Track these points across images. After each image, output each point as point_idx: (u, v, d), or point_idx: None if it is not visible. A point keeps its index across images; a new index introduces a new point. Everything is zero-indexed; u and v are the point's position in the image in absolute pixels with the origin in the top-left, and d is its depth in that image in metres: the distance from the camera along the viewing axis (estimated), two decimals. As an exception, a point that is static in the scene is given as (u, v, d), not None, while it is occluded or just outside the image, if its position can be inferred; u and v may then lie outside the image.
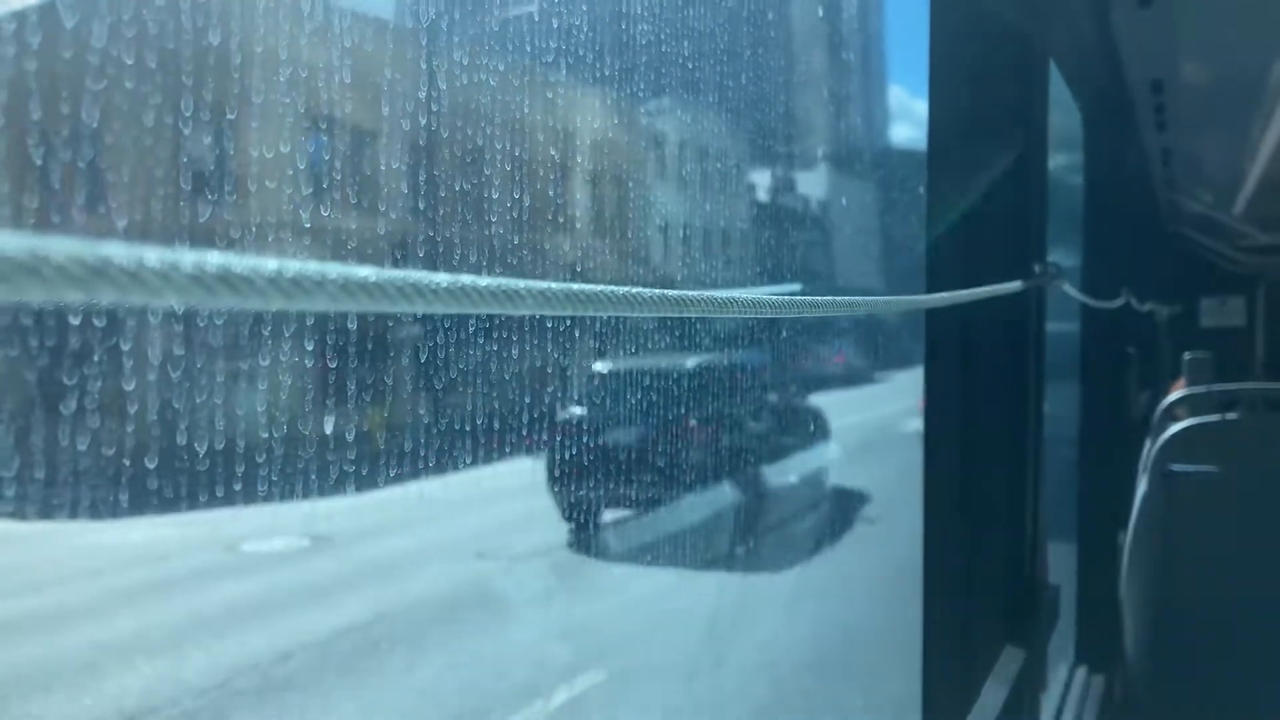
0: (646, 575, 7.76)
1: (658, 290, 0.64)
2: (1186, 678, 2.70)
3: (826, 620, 7.48)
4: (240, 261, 0.37)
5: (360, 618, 6.04)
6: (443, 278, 0.46)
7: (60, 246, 0.31)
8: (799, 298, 0.85)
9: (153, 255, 0.34)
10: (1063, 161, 5.03)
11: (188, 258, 0.35)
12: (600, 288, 0.58)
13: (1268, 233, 4.49)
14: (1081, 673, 3.57)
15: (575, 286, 0.56)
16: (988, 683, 1.65)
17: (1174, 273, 4.95)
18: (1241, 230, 4.52)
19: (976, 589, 1.75)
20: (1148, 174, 4.45)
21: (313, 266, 0.40)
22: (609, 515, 8.07)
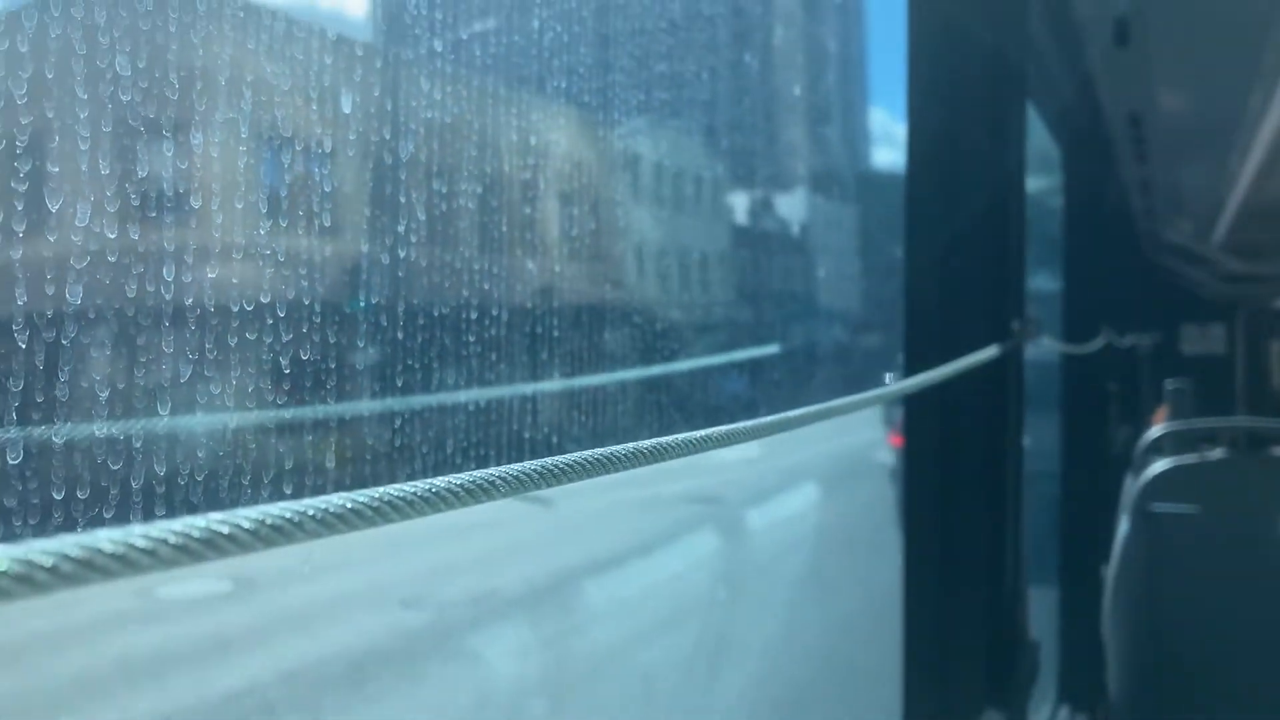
0: (593, 626, 7.25)
1: (631, 445, 0.66)
2: (1170, 715, 2.72)
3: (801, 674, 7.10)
4: (220, 519, 0.39)
5: (260, 678, 5.52)
6: (412, 487, 0.48)
7: (47, 548, 0.33)
8: (778, 417, 0.87)
9: (137, 534, 0.36)
10: (1044, 186, 5.08)
11: (172, 528, 0.37)
12: (573, 457, 0.60)
13: (1246, 261, 4.53)
14: (1065, 712, 3.59)
15: (549, 461, 0.58)
16: (968, 748, 1.67)
17: (1155, 303, 5.00)
18: (1221, 259, 4.57)
19: (957, 651, 1.77)
20: (1127, 206, 4.50)
21: (289, 508, 0.42)
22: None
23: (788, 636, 7.62)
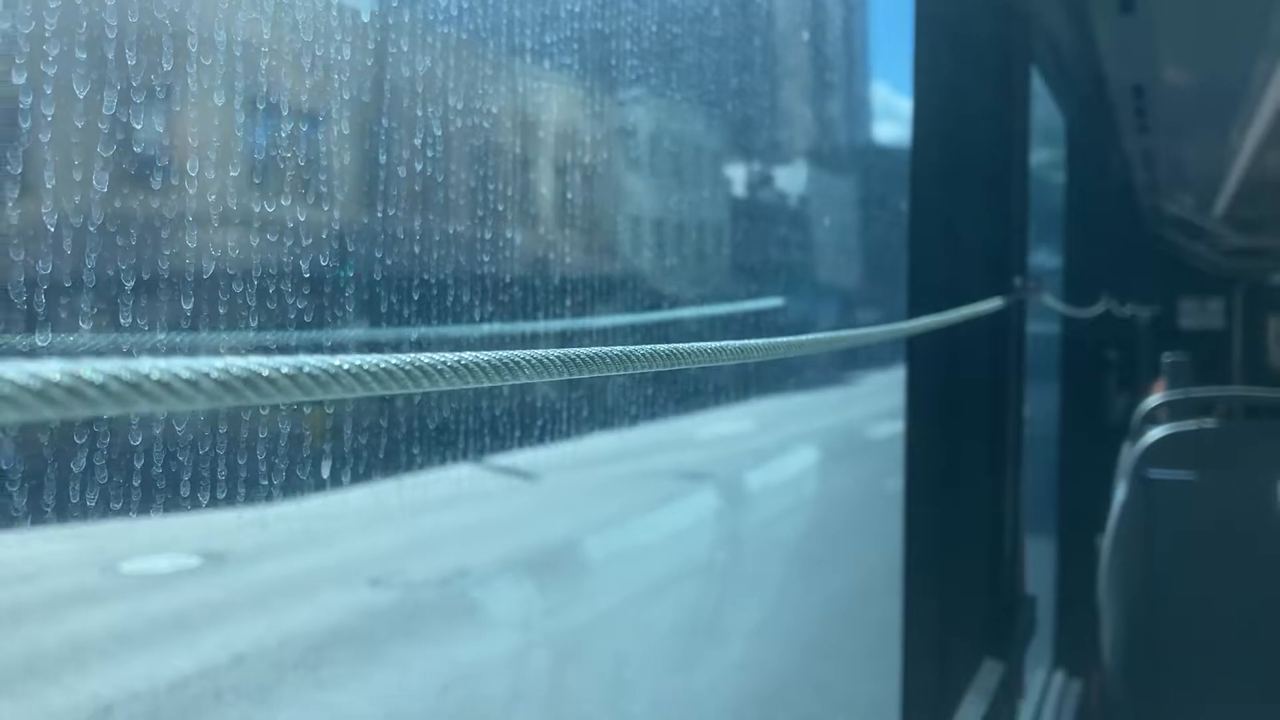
0: (570, 606, 6.85)
1: (649, 347, 0.67)
2: (1164, 683, 2.75)
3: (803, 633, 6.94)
4: (260, 363, 0.40)
5: (215, 660, 5.26)
6: (446, 357, 0.49)
7: (99, 368, 0.34)
8: (786, 339, 0.88)
9: (180, 366, 0.37)
10: (1045, 160, 5.08)
11: (214, 364, 0.38)
12: (594, 351, 0.61)
13: (1245, 235, 4.54)
14: (1059, 677, 3.62)
15: (572, 352, 0.59)
16: (966, 696, 1.69)
17: (1155, 275, 5.01)
18: (1221, 233, 4.58)
19: (956, 602, 1.78)
20: (1129, 177, 4.50)
21: (325, 361, 0.42)
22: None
23: (778, 613, 7.43)
